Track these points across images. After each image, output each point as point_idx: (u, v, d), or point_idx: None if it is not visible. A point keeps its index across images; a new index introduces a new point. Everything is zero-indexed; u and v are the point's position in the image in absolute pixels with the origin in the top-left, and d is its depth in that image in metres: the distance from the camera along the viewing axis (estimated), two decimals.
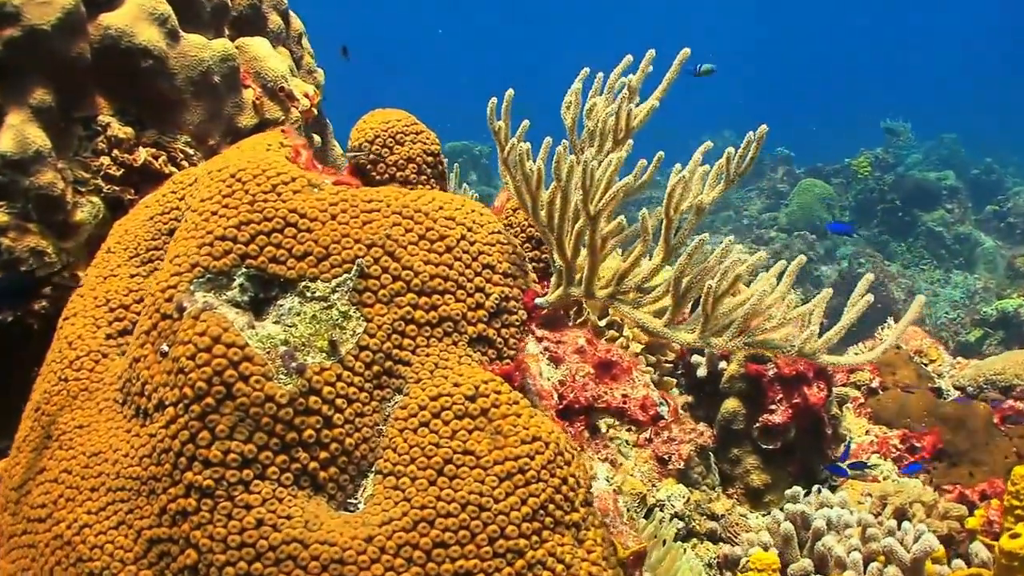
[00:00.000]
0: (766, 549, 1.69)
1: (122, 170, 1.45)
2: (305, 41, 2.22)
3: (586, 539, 1.00)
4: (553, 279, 1.22)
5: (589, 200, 1.05)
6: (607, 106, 1.24)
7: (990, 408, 2.39)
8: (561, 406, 1.44)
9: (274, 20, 2.00)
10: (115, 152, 1.44)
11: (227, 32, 1.81)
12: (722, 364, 2.17)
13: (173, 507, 0.93)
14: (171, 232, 1.22)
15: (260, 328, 1.02)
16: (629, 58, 1.28)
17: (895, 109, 9.58)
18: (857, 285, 1.06)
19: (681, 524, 1.87)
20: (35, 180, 1.37)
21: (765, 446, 2.11)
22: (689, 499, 1.94)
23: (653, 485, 1.92)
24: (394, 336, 1.06)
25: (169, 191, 1.28)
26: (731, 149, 1.10)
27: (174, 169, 1.52)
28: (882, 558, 1.57)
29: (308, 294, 1.06)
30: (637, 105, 1.26)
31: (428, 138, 1.33)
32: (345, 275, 1.07)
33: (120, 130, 1.47)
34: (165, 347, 1.01)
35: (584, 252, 1.17)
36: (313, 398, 0.98)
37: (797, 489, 1.89)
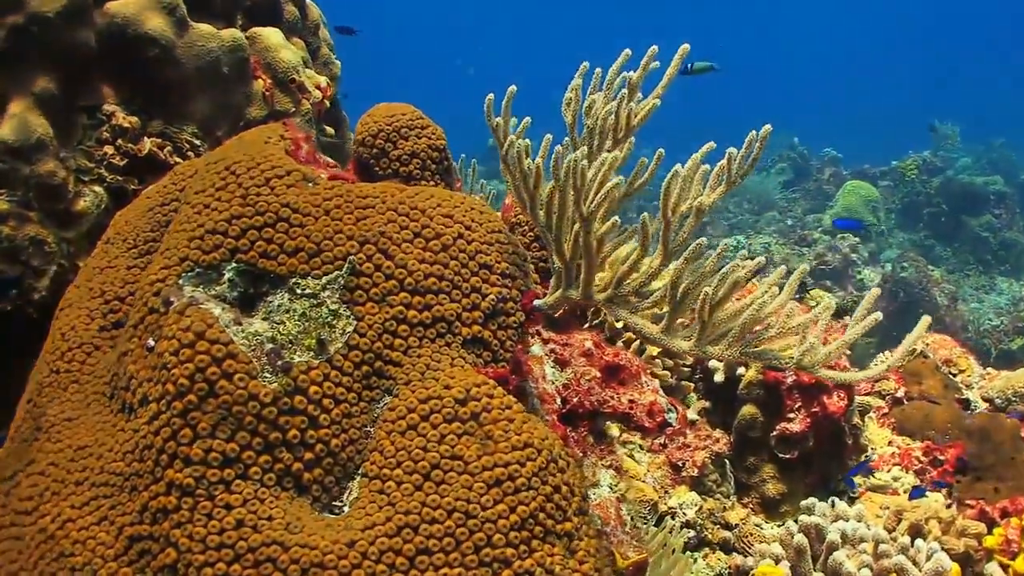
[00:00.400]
0: (777, 562, 1.64)
1: (126, 160, 1.44)
2: (323, 31, 2.20)
3: (578, 549, 0.96)
4: (552, 281, 1.18)
5: (582, 200, 1.00)
6: (606, 104, 1.20)
7: (1017, 421, 2.30)
8: (564, 410, 1.41)
9: (290, 10, 1.98)
10: (119, 142, 1.43)
11: (240, 21, 1.79)
12: (740, 370, 2.12)
13: (154, 504, 0.92)
14: (169, 224, 1.20)
15: (247, 325, 1.00)
16: (628, 52, 1.24)
17: (943, 112, 9.39)
18: (866, 298, 1.01)
19: (692, 533, 1.82)
20: (36, 168, 1.36)
21: (782, 455, 2.05)
22: (702, 507, 1.89)
23: (665, 492, 1.88)
24: (385, 336, 1.03)
25: (170, 182, 1.26)
26: (732, 149, 1.05)
27: (180, 159, 1.51)
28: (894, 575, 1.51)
29: (298, 291, 1.03)
30: (638, 103, 1.21)
31: (434, 133, 1.30)
32: (336, 272, 1.04)
33: (125, 119, 1.45)
34: (151, 341, 0.99)
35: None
36: (299, 397, 0.95)
37: (813, 500, 1.83)
